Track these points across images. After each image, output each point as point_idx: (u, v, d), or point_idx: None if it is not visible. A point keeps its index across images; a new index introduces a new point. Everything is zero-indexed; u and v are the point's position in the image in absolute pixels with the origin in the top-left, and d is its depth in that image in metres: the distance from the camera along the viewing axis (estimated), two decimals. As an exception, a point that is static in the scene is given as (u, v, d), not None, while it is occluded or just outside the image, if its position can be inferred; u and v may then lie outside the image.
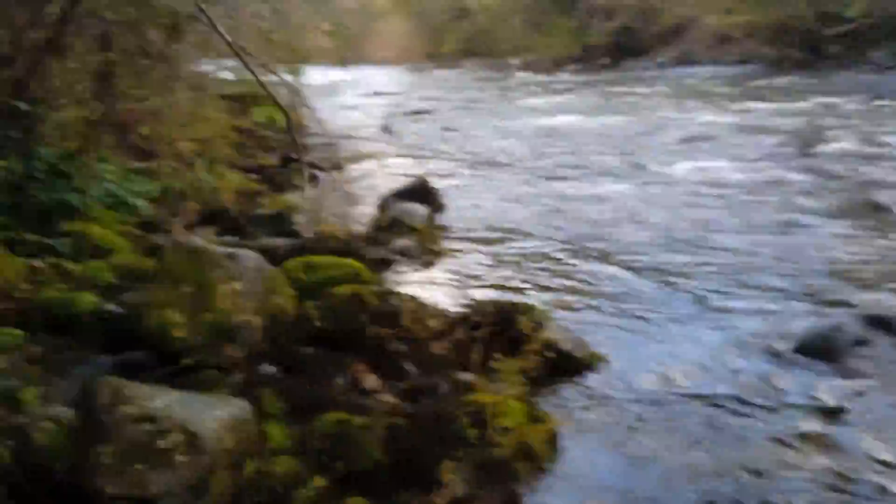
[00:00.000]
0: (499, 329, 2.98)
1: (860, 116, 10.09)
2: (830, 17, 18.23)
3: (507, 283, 4.12)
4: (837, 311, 3.43)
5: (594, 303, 3.78)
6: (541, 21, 27.52)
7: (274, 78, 6.17)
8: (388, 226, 4.98)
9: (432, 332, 2.98)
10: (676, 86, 16.04)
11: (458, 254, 4.79)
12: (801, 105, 11.27)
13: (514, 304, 3.13)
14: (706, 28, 21.06)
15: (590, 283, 4.11)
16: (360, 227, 5.14)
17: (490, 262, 4.59)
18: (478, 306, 3.16)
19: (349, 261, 3.57)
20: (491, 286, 4.07)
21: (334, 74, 18.31)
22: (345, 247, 4.23)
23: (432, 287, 4.02)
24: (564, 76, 21.38)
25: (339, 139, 10.48)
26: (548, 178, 7.07)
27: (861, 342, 3.05)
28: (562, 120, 11.38)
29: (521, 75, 22.59)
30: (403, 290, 3.61)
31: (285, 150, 7.99)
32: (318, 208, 6.09)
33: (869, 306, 3.38)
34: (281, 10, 9.89)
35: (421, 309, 3.09)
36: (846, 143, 7.90)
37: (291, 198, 6.16)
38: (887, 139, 7.94)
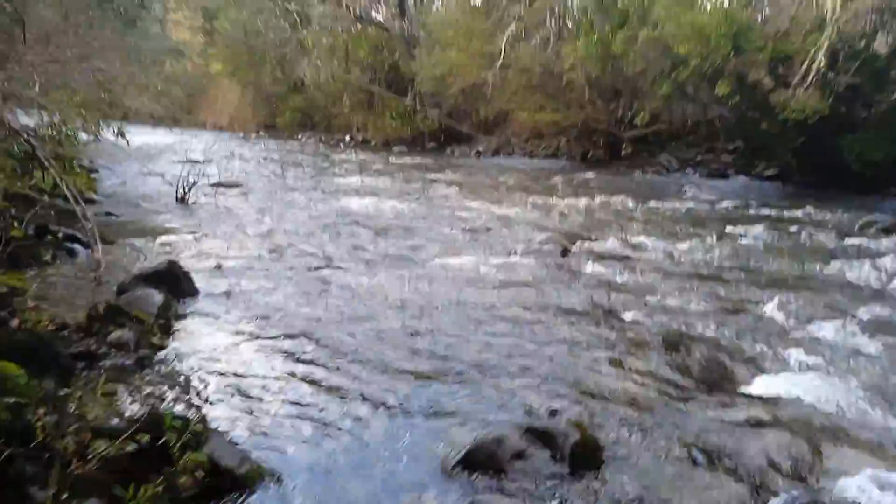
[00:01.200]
0: (147, 446, 2.81)
1: (630, 216, 11.00)
2: (625, 122, 20.02)
3: (203, 389, 3.93)
4: (516, 416, 3.55)
5: (283, 410, 3.69)
6: (374, 102, 28.22)
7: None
8: (107, 314, 4.67)
9: (76, 451, 2.76)
10: (486, 175, 16.85)
11: (180, 348, 4.57)
12: (585, 201, 12.14)
13: (167, 417, 2.97)
14: (522, 123, 22.44)
15: (290, 386, 4.03)
16: (81, 315, 4.80)
17: (209, 359, 4.41)
18: (133, 419, 2.97)
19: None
20: (182, 392, 3.86)
21: (158, 137, 17.66)
22: (37, 340, 3.91)
23: (122, 389, 3.77)
24: (391, 157, 21.89)
25: (124, 209, 10.00)
26: (318, 267, 7.04)
27: (520, 455, 3.15)
28: (366, 203, 11.54)
29: (349, 153, 22.87)
30: (86, 393, 3.36)
31: (44, 220, 7.47)
32: (52, 290, 5.68)
33: (538, 415, 3.54)
34: (101, 68, 9.44)
35: (70, 421, 2.86)
36: (605, 242, 8.52)
37: (24, 277, 5.71)
38: (640, 241, 8.66)
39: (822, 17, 13.86)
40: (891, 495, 3.08)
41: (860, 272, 7.29)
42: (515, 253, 7.85)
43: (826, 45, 12.83)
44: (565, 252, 8.07)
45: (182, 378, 4.07)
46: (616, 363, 4.55)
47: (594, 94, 20.20)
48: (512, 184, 15.21)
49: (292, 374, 4.19)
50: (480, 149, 23.58)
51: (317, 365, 4.34)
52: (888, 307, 6.00)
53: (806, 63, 13.03)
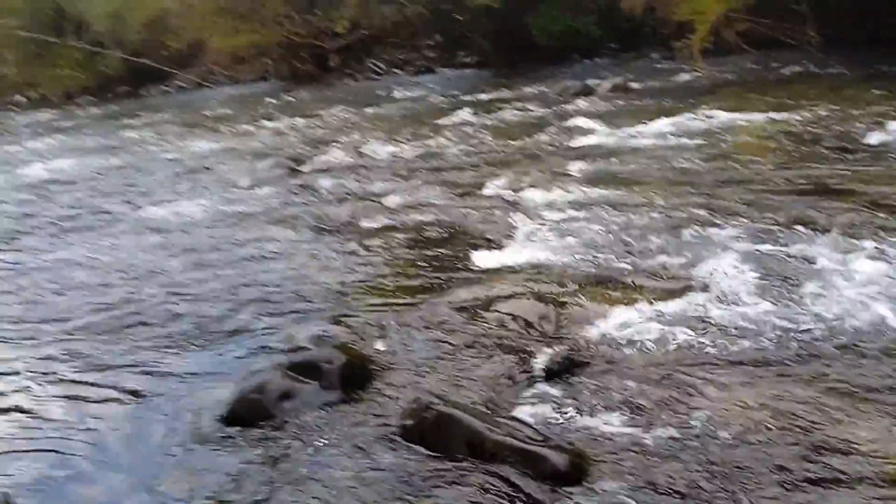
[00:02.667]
0: None
1: (353, 125, 10.86)
2: (326, 33, 19.58)
3: None
4: (278, 357, 3.28)
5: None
6: (42, 53, 24.62)
7: None
8: None
9: None
10: (191, 111, 15.62)
11: None
12: (303, 121, 11.75)
13: None
14: (220, 49, 21.00)
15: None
16: None
17: None
18: None
19: None
20: None
21: None
22: None
23: None
24: (78, 111, 19.45)
25: None
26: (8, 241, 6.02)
27: (287, 395, 2.91)
28: (60, 165, 10.08)
29: (27, 115, 19.93)
30: None
31: None
32: None
33: (302, 347, 3.31)
34: None
35: None
36: (333, 157, 8.30)
37: None
38: (365, 149, 8.57)
39: None
40: (638, 325, 3.31)
41: (567, 134, 7.86)
42: (240, 186, 7.34)
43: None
44: (294, 172, 7.73)
45: None
46: (366, 270, 4.44)
47: (289, 8, 19.39)
48: (221, 114, 14.28)
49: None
50: (181, 84, 21.81)
51: (35, 362, 3.68)
52: (595, 163, 6.53)
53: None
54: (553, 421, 2.61)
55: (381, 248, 4.87)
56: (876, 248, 3.82)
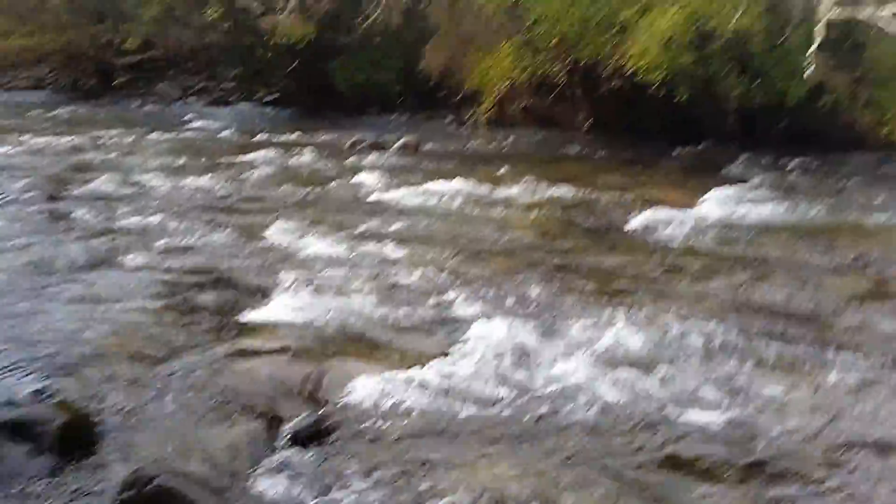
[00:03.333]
0: None
1: (131, 151, 10.17)
2: (114, 48, 18.36)
3: None
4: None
5: None
6: None
7: None
8: None
9: None
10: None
11: None
12: (76, 139, 10.79)
13: None
14: (-10, 51, 18.88)
15: None
16: None
17: None
18: None
19: None
20: None
21: None
22: None
23: None
24: None
25: None
26: None
27: None
28: None
29: None
30: None
31: None
32: None
33: (17, 403, 2.95)
34: None
35: None
36: (101, 184, 7.69)
37: None
38: (141, 178, 8.04)
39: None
40: (394, 391, 3.33)
41: (351, 188, 7.92)
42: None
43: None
44: (50, 199, 7.03)
45: None
46: (113, 317, 4.09)
47: (75, 16, 17.95)
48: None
49: None
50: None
51: None
52: (376, 219, 6.60)
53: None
54: (286, 495, 2.53)
55: (137, 292, 4.53)
56: (618, 323, 4.19)
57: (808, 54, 8.53)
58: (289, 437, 2.92)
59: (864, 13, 8.47)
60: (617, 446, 2.99)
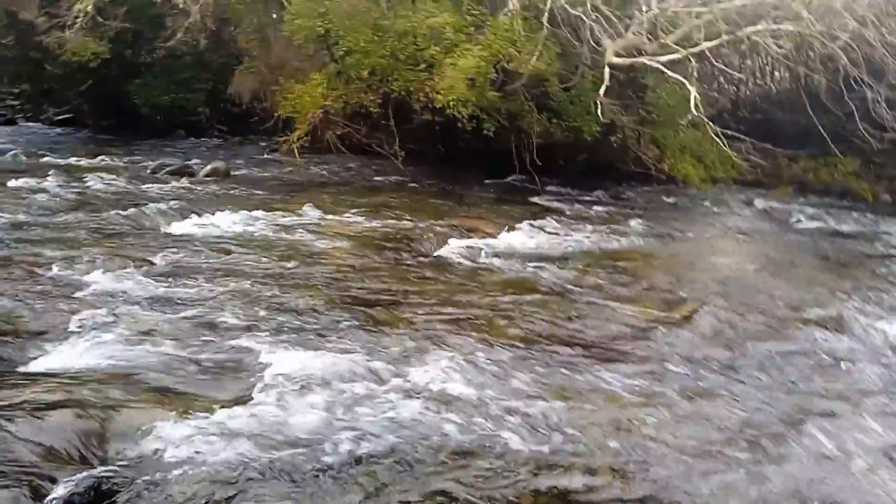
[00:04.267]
0: None
1: None
2: None
3: None
4: None
5: None
6: None
7: None
8: None
9: None
10: None
11: None
12: None
13: None
14: None
15: None
16: None
17: None
18: None
19: None
20: None
21: None
22: None
23: None
24: None
25: None
26: None
27: None
28: None
29: None
30: None
31: None
32: None
33: None
34: None
35: None
36: None
37: None
38: None
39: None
40: (189, 441, 3.11)
41: (149, 217, 7.42)
42: None
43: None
44: None
45: None
46: None
47: None
48: None
49: None
50: None
51: None
52: (176, 251, 6.21)
53: (76, 5, 12.45)
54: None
55: None
56: (427, 355, 4.21)
57: (599, 95, 9.24)
58: (62, 501, 2.61)
59: (644, 60, 9.35)
60: (423, 478, 2.99)
